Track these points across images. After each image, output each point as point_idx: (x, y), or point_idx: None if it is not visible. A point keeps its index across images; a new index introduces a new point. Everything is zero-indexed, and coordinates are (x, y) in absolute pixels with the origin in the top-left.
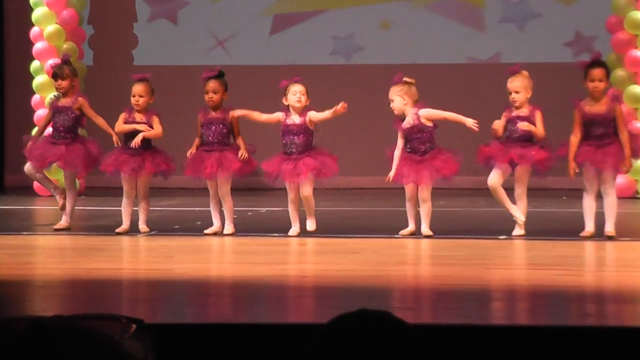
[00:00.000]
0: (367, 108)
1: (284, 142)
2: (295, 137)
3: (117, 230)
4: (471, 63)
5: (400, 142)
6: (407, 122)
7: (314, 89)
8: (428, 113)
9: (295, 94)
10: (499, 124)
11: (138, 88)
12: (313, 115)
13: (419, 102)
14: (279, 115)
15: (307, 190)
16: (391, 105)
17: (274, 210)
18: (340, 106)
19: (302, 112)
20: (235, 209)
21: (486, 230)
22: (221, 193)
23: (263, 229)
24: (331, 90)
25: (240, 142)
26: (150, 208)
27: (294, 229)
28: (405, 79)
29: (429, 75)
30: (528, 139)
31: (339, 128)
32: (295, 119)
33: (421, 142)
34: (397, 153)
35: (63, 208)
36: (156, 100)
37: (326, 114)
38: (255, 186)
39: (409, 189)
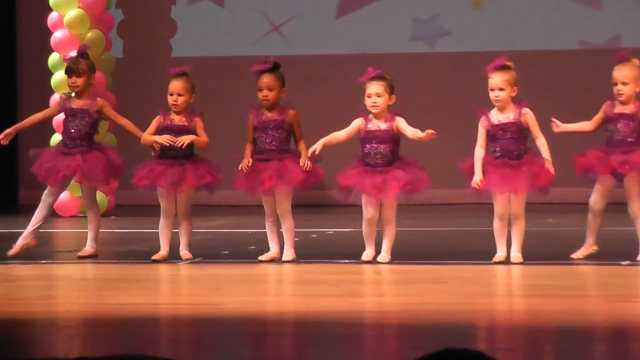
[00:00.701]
0: (455, 106)
1: (365, 150)
2: (381, 146)
3: (154, 257)
4: (584, 49)
5: (482, 142)
6: (505, 118)
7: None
8: (532, 117)
9: (370, 96)
10: (575, 127)
11: (176, 85)
12: (402, 124)
13: (521, 99)
14: (358, 123)
15: (391, 212)
16: (495, 96)
17: (343, 231)
18: (426, 134)
19: (388, 115)
20: (296, 230)
21: (605, 255)
22: (280, 211)
23: (330, 254)
24: (410, 84)
25: (302, 147)
26: (194, 230)
27: (369, 252)
28: (507, 62)
29: (531, 64)
30: (635, 141)
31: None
32: (379, 124)
33: (516, 143)
34: (481, 153)
35: (21, 249)
36: (198, 98)
37: (410, 132)
38: (320, 202)
39: (501, 202)
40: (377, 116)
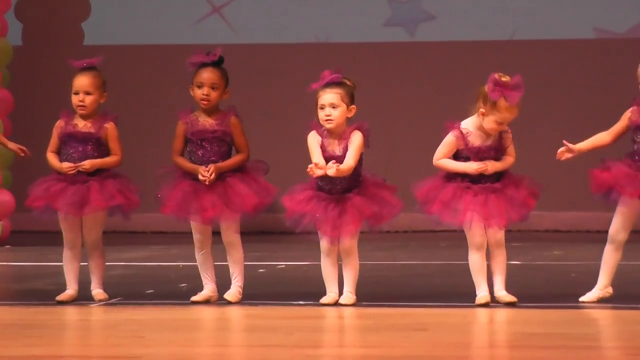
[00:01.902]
0: (439, 107)
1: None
2: (336, 167)
3: (59, 297)
4: (601, 38)
5: (448, 154)
6: (486, 141)
7: (359, 80)
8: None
9: (323, 108)
10: (583, 145)
11: (83, 81)
12: (353, 142)
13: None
14: (316, 139)
15: (350, 243)
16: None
17: (299, 265)
18: (335, 169)
19: (344, 132)
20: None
21: (623, 296)
22: (228, 240)
23: (282, 294)
24: (385, 80)
25: (241, 158)
26: (109, 263)
27: (330, 295)
28: None
29: (534, 57)
30: None
31: (398, 140)
32: (335, 147)
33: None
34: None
35: None
36: (114, 97)
37: (348, 159)
38: (270, 228)
39: (477, 230)
40: (332, 132)
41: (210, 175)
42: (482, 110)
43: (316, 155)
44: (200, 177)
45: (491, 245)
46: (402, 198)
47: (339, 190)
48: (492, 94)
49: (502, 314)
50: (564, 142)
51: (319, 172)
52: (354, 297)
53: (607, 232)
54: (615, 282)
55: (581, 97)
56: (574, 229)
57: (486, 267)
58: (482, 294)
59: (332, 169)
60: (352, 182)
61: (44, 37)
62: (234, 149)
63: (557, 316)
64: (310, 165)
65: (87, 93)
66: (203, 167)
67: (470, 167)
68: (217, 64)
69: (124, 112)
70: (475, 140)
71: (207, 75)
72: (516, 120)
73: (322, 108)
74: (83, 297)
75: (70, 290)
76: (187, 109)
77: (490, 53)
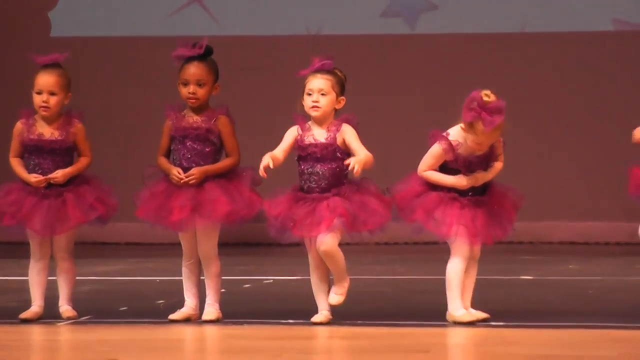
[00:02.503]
0: (441, 106)
1: (299, 170)
2: (318, 165)
3: (23, 315)
4: (621, 30)
5: (434, 167)
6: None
7: (353, 77)
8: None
9: (311, 93)
10: None
11: (47, 80)
12: (349, 134)
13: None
14: (293, 133)
15: (326, 243)
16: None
17: (287, 279)
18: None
19: (331, 123)
20: (223, 278)
21: None
22: (202, 252)
23: (269, 312)
24: (382, 77)
25: (230, 162)
26: (79, 278)
27: (323, 313)
28: None
29: (546, 52)
30: None
31: (395, 142)
32: (317, 134)
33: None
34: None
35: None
36: (88, 94)
37: (355, 145)
38: (256, 239)
39: (463, 244)
40: (317, 121)
41: (189, 177)
42: (461, 125)
43: (275, 150)
44: (171, 177)
45: (470, 260)
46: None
47: (317, 190)
48: (467, 113)
49: (512, 334)
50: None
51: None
52: (342, 295)
53: (628, 244)
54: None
55: (599, 94)
56: (592, 240)
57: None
58: (462, 311)
59: (354, 166)
60: (334, 182)
61: (5, 28)
62: (224, 154)
63: (574, 337)
64: (260, 169)
65: (52, 93)
66: (177, 169)
67: (460, 182)
68: (204, 57)
69: (95, 110)
70: (465, 152)
71: (193, 71)
72: (526, 122)
73: (309, 94)
74: (49, 315)
75: (36, 306)
76: (175, 106)
77: (499, 47)
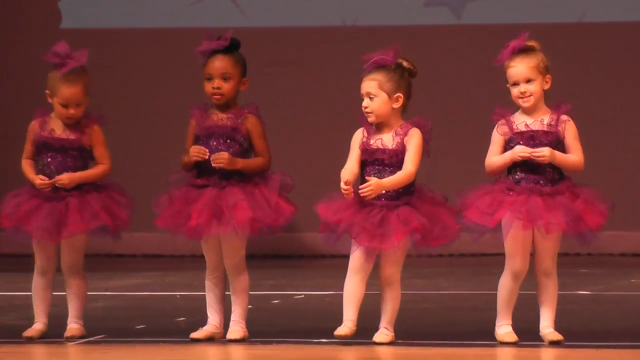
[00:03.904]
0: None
1: (364, 174)
2: (387, 169)
3: (26, 333)
4: None
5: (494, 154)
6: (535, 123)
7: None
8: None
9: (363, 98)
10: None
11: (72, 91)
12: (410, 141)
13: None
14: (358, 137)
15: (394, 269)
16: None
17: (318, 295)
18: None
19: (399, 125)
20: (250, 293)
21: None
22: (228, 264)
23: (300, 330)
24: (426, 70)
25: (260, 161)
26: (91, 293)
27: (347, 325)
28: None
29: (607, 43)
30: None
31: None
32: (385, 138)
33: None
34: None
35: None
36: (101, 92)
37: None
38: (288, 251)
39: (519, 253)
40: (380, 126)
41: (221, 162)
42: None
43: (348, 163)
44: (198, 155)
45: (537, 273)
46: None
47: (385, 197)
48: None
49: (567, 355)
50: None
51: (349, 193)
52: (392, 334)
53: None
54: None
55: None
56: None
57: (516, 297)
58: (505, 330)
59: (369, 187)
60: (404, 190)
61: (12, 19)
62: (254, 156)
63: (637, 358)
64: (342, 187)
65: (78, 105)
66: (203, 148)
67: (516, 151)
68: (230, 49)
69: (109, 110)
70: (522, 121)
71: (217, 64)
72: (581, 120)
73: (362, 99)
74: (56, 334)
75: (39, 323)
76: (201, 105)
77: (555, 38)
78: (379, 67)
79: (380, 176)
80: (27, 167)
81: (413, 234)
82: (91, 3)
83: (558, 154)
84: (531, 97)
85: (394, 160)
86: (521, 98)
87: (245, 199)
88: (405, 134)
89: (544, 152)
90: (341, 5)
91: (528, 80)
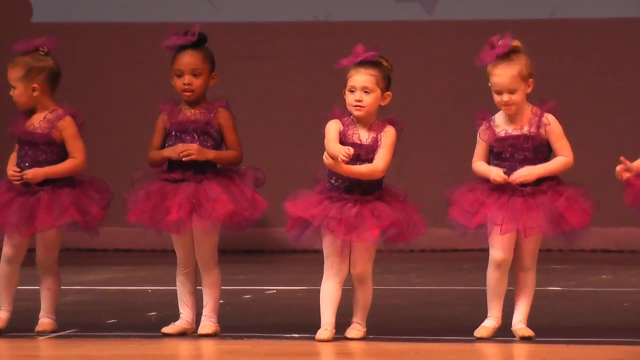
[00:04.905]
0: (463, 100)
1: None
2: (360, 165)
3: None
4: None
5: (481, 157)
6: (516, 129)
7: None
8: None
9: (354, 91)
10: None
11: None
12: (384, 137)
13: (542, 99)
14: (336, 127)
15: (365, 265)
16: (504, 101)
17: (290, 290)
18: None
19: (376, 122)
20: (222, 288)
21: None
22: (200, 259)
23: (272, 325)
24: (399, 67)
25: (233, 153)
26: (63, 287)
27: (327, 329)
28: (515, 43)
29: (578, 40)
30: None
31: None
32: (362, 134)
33: (531, 164)
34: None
35: None
36: (73, 85)
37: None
38: (259, 246)
39: (501, 244)
40: (360, 121)
41: (191, 154)
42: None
43: (332, 145)
44: (179, 152)
45: (516, 268)
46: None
47: (358, 192)
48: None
49: (539, 350)
50: (622, 158)
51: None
52: (364, 329)
53: None
54: None
55: (638, 87)
56: (627, 248)
57: (504, 290)
58: (489, 321)
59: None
60: (376, 185)
61: None
62: (225, 149)
63: (607, 354)
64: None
65: (14, 88)
66: (181, 145)
67: (489, 172)
68: (198, 44)
69: (79, 104)
70: (502, 128)
71: (187, 60)
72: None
73: (352, 91)
74: (28, 328)
75: (4, 311)
76: (170, 100)
77: (526, 34)
78: (373, 63)
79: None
80: (10, 160)
81: (388, 229)
82: None
83: (538, 169)
84: (514, 105)
85: (369, 154)
86: (505, 106)
87: (225, 193)
88: (381, 131)
89: (522, 175)
90: (313, 1)
91: (511, 90)
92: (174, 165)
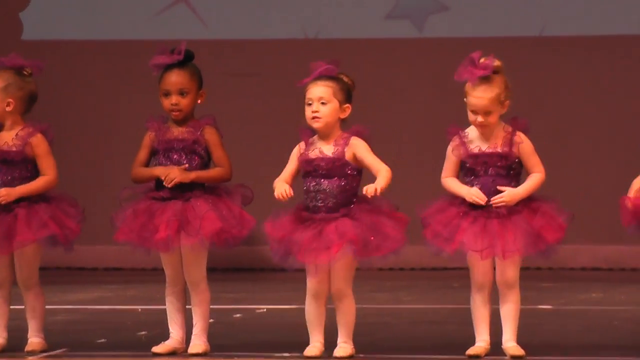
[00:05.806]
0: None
1: (304, 188)
2: (325, 182)
3: None
4: None
5: (451, 172)
6: (489, 147)
7: (355, 85)
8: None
9: (311, 103)
10: None
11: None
12: (360, 148)
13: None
14: (296, 150)
15: (343, 282)
16: (479, 121)
17: (281, 309)
18: (383, 181)
19: (339, 134)
20: (211, 307)
21: None
22: (190, 277)
23: (261, 344)
24: (387, 84)
25: (220, 171)
26: (50, 307)
27: (315, 346)
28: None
29: (567, 57)
30: None
31: (401, 154)
32: (324, 148)
33: (504, 181)
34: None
35: None
36: (58, 104)
37: (369, 160)
38: (249, 265)
39: (479, 268)
40: (322, 134)
41: (174, 178)
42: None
43: (282, 174)
44: (163, 178)
45: (500, 285)
46: (407, 227)
47: (323, 210)
48: (458, 72)
49: None
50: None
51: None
52: (351, 347)
53: None
54: None
55: (626, 103)
56: (617, 266)
57: (488, 312)
58: (478, 344)
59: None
60: (342, 201)
61: None
62: (213, 166)
63: None
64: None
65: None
66: (163, 168)
67: (469, 192)
68: (184, 62)
69: (68, 122)
70: (476, 145)
71: (174, 79)
72: (542, 134)
73: (309, 104)
74: (18, 348)
75: None
76: (158, 117)
77: (515, 52)
78: (330, 77)
79: (319, 187)
80: None
81: (349, 245)
82: (53, 14)
83: (521, 192)
84: (487, 127)
85: (333, 167)
86: (479, 126)
87: (212, 210)
88: (346, 143)
89: (503, 199)
90: (303, 18)
91: (487, 113)
92: (162, 183)
